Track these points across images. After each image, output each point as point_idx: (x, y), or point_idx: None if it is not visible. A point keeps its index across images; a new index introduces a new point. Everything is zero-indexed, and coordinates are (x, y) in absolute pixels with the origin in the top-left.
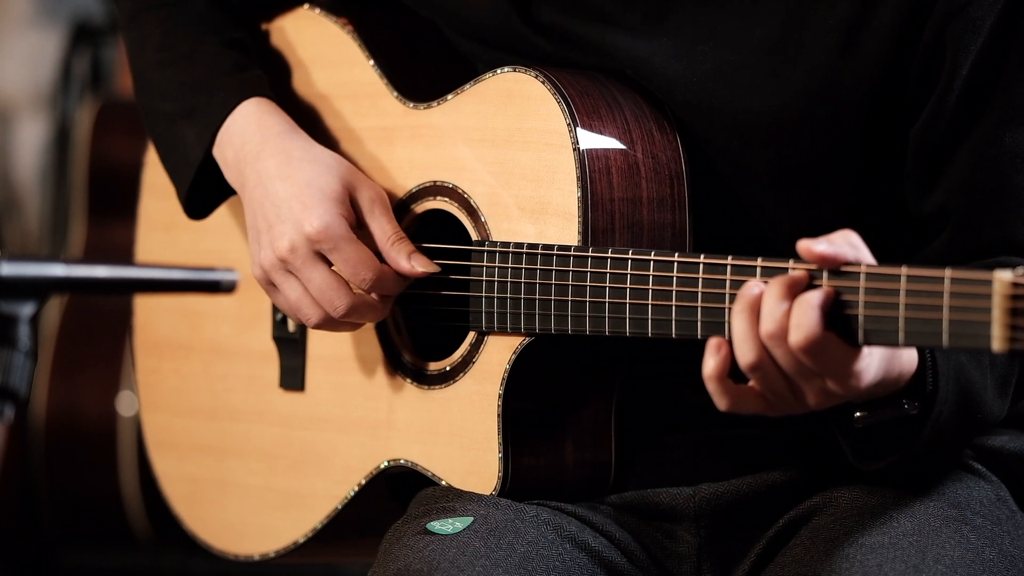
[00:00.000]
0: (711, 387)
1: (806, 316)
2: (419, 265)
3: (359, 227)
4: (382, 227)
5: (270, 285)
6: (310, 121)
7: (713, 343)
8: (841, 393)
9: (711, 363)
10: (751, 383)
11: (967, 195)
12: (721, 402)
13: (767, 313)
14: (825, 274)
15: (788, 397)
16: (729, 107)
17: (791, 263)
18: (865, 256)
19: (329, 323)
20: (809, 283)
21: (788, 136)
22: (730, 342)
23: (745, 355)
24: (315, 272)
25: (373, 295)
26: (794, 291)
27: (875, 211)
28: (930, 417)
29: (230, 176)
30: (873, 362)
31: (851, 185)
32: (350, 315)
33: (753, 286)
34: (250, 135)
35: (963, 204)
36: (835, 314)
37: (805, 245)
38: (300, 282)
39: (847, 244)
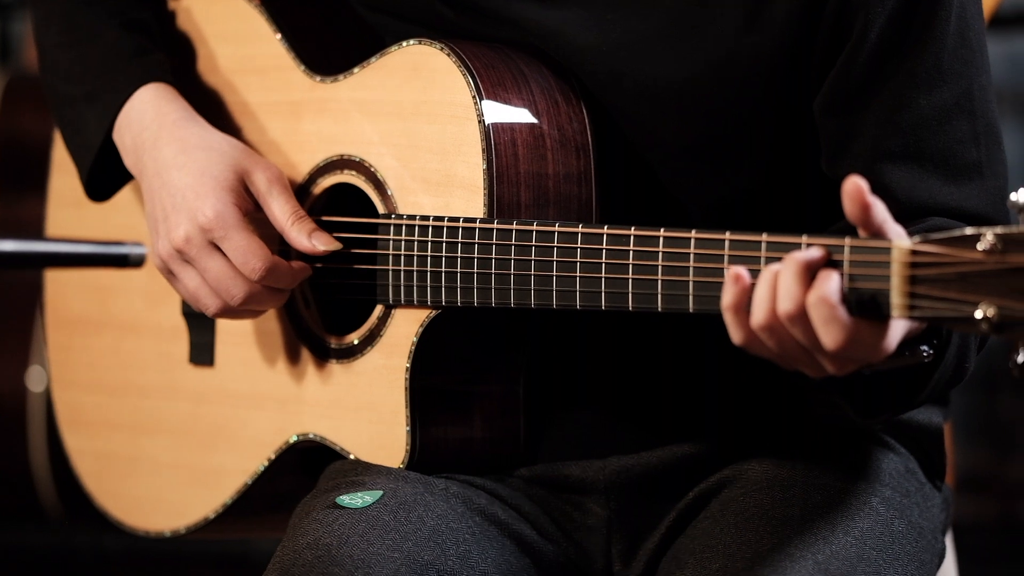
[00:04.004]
0: (727, 318)
1: (835, 315)
2: (320, 243)
3: (258, 211)
4: (281, 207)
5: (170, 274)
6: (216, 97)
7: (732, 273)
8: (866, 361)
9: (729, 293)
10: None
11: (884, 160)
12: (736, 335)
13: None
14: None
15: (806, 362)
16: (639, 76)
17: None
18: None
19: (229, 312)
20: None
21: (699, 106)
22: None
23: (758, 317)
24: (211, 262)
25: (267, 287)
26: (811, 272)
27: (788, 180)
28: (943, 363)
29: (129, 162)
30: (899, 325)
31: (764, 154)
32: (247, 304)
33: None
34: (148, 122)
35: (881, 169)
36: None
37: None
38: (198, 272)
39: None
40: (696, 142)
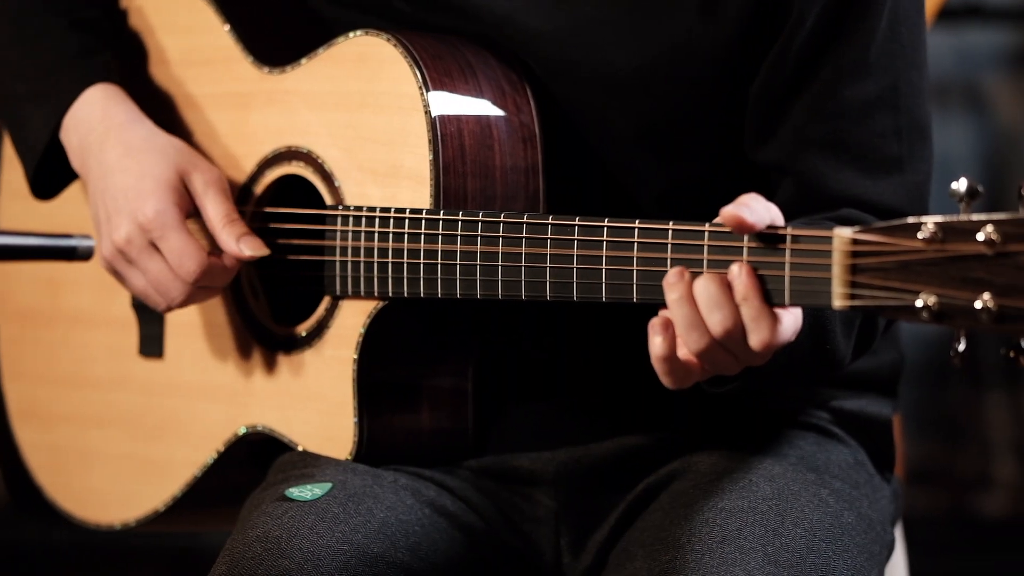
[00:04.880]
0: (661, 367)
1: (763, 318)
2: (247, 248)
3: (198, 211)
4: (215, 209)
5: (116, 274)
6: (165, 90)
7: (658, 323)
8: (777, 346)
9: (660, 343)
10: (694, 359)
11: (805, 148)
12: (669, 381)
13: (719, 310)
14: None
15: (733, 366)
16: (591, 63)
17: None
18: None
19: (177, 308)
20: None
21: (651, 93)
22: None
23: (695, 343)
24: (151, 263)
25: (203, 286)
26: (728, 283)
27: (736, 168)
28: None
29: (75, 163)
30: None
31: (713, 142)
32: (188, 303)
33: (682, 273)
34: (95, 123)
35: (801, 157)
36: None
37: (731, 213)
38: (141, 272)
39: (763, 208)
40: (647, 130)
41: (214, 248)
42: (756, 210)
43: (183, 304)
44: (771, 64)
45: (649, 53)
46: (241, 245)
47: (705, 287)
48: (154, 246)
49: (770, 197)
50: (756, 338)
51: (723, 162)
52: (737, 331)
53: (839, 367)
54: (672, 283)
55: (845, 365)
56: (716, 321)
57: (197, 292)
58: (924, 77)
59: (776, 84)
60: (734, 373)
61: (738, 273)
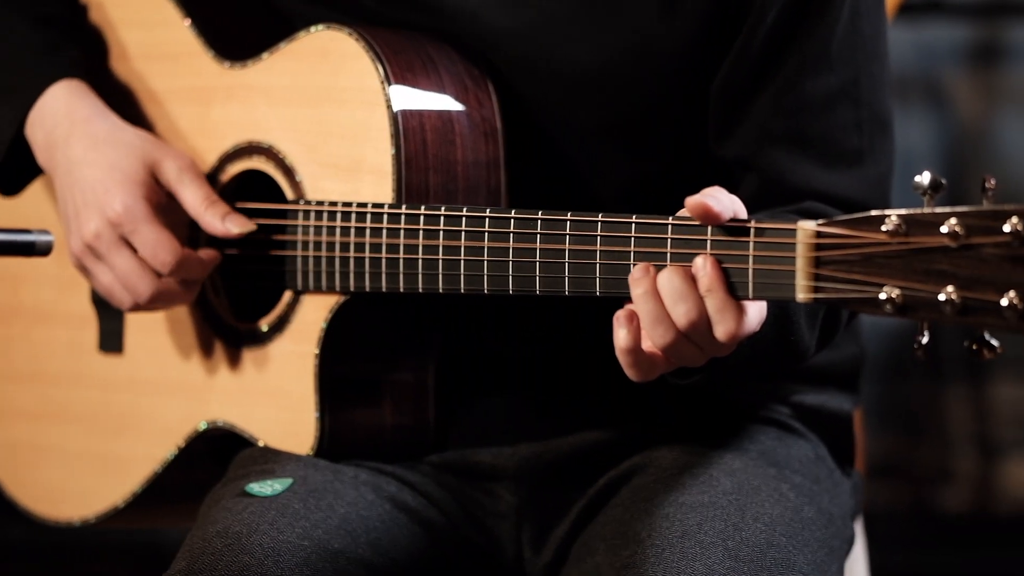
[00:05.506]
0: (625, 359)
1: (728, 310)
2: (234, 226)
3: (171, 202)
4: (193, 194)
5: (84, 270)
6: (126, 85)
7: (623, 315)
8: (743, 337)
9: (624, 335)
10: (659, 352)
11: (767, 142)
12: (634, 373)
13: (683, 302)
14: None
15: (699, 357)
16: (554, 59)
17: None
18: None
19: (140, 308)
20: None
21: (613, 89)
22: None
23: (661, 337)
24: (119, 258)
25: (178, 280)
26: (692, 275)
27: (698, 163)
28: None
29: (41, 159)
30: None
31: (675, 138)
32: (156, 301)
33: (647, 269)
34: (60, 119)
35: (764, 151)
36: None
37: (697, 202)
38: (109, 268)
39: (728, 200)
40: (610, 125)
41: (187, 242)
42: (721, 200)
43: (149, 303)
44: (733, 59)
45: (611, 49)
46: (228, 223)
47: (669, 279)
48: (124, 241)
49: (733, 192)
50: (722, 329)
51: (687, 157)
52: (702, 323)
53: (803, 358)
54: (637, 278)
55: (809, 356)
56: (681, 313)
57: (164, 291)
58: (885, 70)
59: (738, 79)
60: (699, 365)
61: (702, 265)
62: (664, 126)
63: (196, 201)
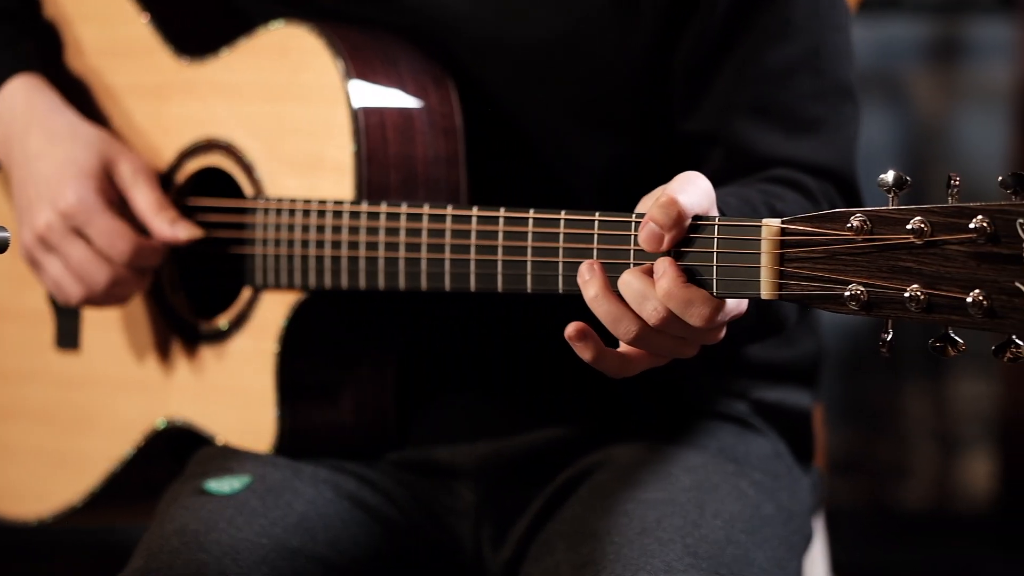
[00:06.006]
0: (599, 367)
1: (694, 304)
2: (183, 232)
3: (122, 201)
4: (145, 197)
5: (34, 264)
6: (84, 81)
7: (572, 333)
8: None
9: (581, 349)
10: (630, 349)
11: (732, 114)
12: (615, 375)
13: (648, 301)
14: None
15: (684, 347)
16: (518, 41)
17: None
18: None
19: (93, 299)
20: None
21: (577, 68)
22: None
23: (626, 333)
24: (73, 248)
25: (132, 268)
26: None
27: (668, 146)
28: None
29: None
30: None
31: (643, 118)
32: (112, 289)
33: (592, 267)
34: (18, 113)
35: (729, 123)
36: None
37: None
38: (60, 259)
39: (699, 194)
40: (575, 107)
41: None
42: (691, 195)
43: (104, 293)
44: (695, 32)
45: (570, 23)
46: (176, 229)
47: (629, 283)
48: (77, 232)
49: (700, 169)
50: (696, 317)
51: (655, 139)
52: (672, 317)
53: (786, 326)
54: (587, 280)
55: (791, 324)
56: (650, 311)
57: (119, 280)
58: (846, 40)
59: (701, 52)
60: (691, 355)
61: (662, 273)
62: (630, 106)
63: (147, 205)
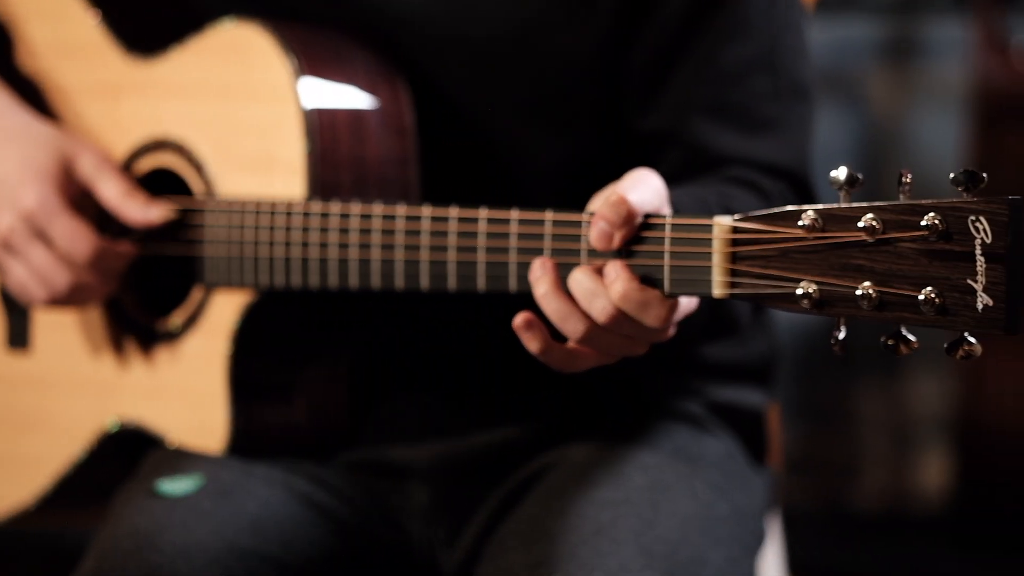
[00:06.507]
0: (543, 359)
1: (652, 305)
2: (155, 214)
3: (85, 198)
4: (111, 186)
5: None
6: (33, 81)
7: (520, 324)
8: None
9: (529, 339)
10: (578, 346)
11: (688, 113)
12: (560, 368)
13: (598, 299)
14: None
15: (633, 346)
16: (470, 37)
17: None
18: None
19: (55, 302)
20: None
21: (530, 62)
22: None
23: (573, 330)
24: (34, 250)
25: (95, 271)
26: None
27: (624, 143)
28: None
29: None
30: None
31: (597, 115)
32: (73, 294)
33: (544, 264)
34: None
35: (686, 122)
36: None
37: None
38: (22, 263)
39: (650, 194)
40: (528, 103)
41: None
42: (641, 193)
43: (66, 297)
44: (650, 32)
45: (522, 19)
46: (149, 212)
47: (580, 282)
48: (39, 234)
49: (649, 167)
50: (652, 317)
51: (609, 137)
52: (621, 316)
53: (738, 323)
54: (538, 276)
55: (745, 322)
56: (599, 310)
57: (81, 284)
58: (802, 39)
59: (656, 51)
60: (640, 353)
61: (614, 278)
62: (583, 103)
63: (115, 193)
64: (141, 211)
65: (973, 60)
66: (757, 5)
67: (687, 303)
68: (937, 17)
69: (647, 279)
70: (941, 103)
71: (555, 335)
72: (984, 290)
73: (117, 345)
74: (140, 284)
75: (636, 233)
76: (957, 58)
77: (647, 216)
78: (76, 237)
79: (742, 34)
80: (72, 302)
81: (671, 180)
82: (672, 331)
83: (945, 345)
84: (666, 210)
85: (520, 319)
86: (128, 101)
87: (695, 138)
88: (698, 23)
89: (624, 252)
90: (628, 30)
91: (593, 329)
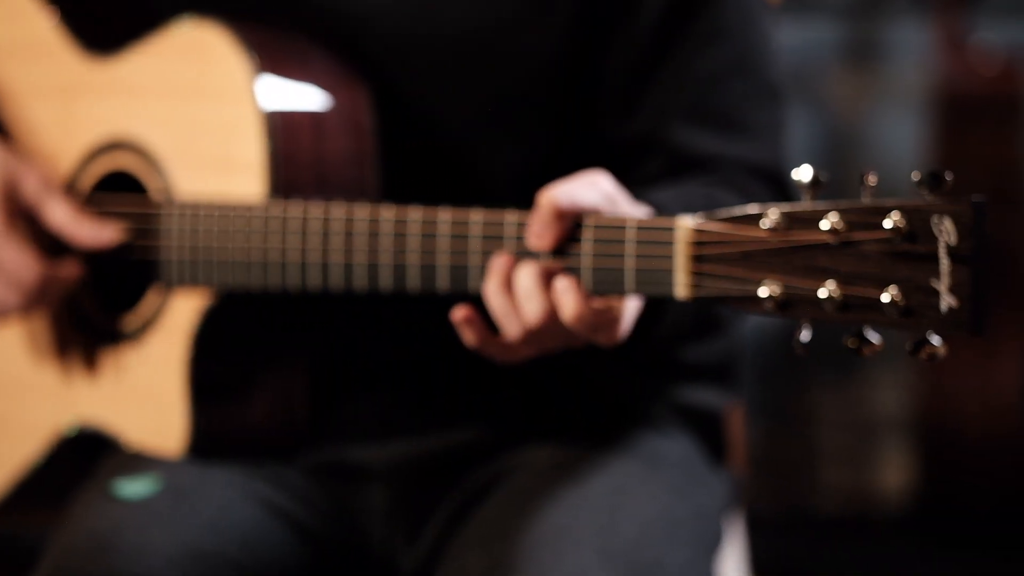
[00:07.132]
0: (482, 350)
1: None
2: (106, 235)
3: (30, 220)
4: (59, 211)
5: None
6: None
7: (459, 318)
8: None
9: (469, 335)
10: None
11: (667, 119)
12: (498, 360)
13: (531, 302)
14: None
15: (567, 343)
16: (431, 37)
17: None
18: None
19: (5, 316)
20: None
21: (492, 63)
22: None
23: (510, 331)
24: None
25: (44, 295)
26: (549, 273)
27: (590, 149)
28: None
29: None
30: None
31: (561, 120)
32: (25, 311)
33: (502, 260)
34: None
35: (665, 128)
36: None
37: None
38: None
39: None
40: (490, 106)
41: (49, 259)
42: (577, 192)
43: (17, 314)
44: (624, 40)
45: (483, 19)
46: (101, 234)
47: (521, 278)
48: None
49: (629, 173)
50: (603, 337)
51: (574, 142)
52: (552, 322)
53: (700, 325)
54: (491, 271)
55: (703, 324)
56: (529, 311)
57: (27, 308)
58: (772, 41)
59: (632, 59)
60: (579, 347)
61: (564, 290)
62: (545, 106)
63: (64, 218)
64: (92, 233)
65: (934, 60)
66: (731, 11)
67: (635, 308)
68: (898, 18)
69: (608, 280)
70: (902, 104)
71: (497, 328)
72: (949, 291)
73: (76, 346)
74: (98, 284)
75: (600, 236)
76: (918, 59)
77: (600, 218)
78: (21, 268)
79: (718, 40)
80: (22, 317)
81: (653, 185)
82: (619, 334)
83: (908, 346)
84: (615, 210)
85: (459, 313)
86: (85, 101)
87: (676, 143)
88: (674, 31)
89: (592, 255)
90: (592, 35)
91: (528, 333)
